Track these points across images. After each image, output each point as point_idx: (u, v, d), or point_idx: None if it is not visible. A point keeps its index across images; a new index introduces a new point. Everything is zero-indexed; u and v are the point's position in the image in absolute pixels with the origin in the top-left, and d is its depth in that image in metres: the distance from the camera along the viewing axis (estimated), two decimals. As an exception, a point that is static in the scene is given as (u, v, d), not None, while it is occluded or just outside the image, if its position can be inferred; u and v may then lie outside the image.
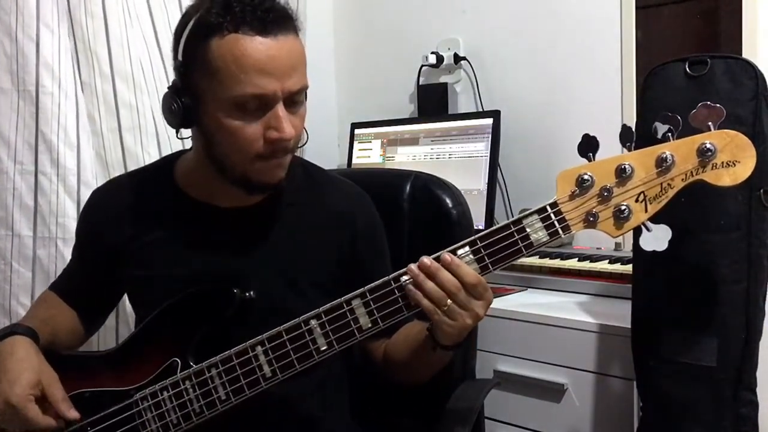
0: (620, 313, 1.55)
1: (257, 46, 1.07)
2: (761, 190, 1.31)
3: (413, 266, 1.06)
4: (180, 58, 1.13)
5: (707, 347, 1.34)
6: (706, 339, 1.34)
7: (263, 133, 1.11)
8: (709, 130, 0.97)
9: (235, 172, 1.17)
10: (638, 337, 1.44)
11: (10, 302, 1.82)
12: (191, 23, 1.11)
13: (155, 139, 1.97)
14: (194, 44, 1.11)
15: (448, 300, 1.04)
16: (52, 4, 1.81)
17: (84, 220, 1.37)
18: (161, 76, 2.00)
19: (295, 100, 1.13)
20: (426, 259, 1.06)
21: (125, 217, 1.28)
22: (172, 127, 1.17)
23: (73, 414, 1.15)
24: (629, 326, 1.46)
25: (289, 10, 1.13)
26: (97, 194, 1.36)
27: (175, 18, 1.98)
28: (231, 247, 1.24)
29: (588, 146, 1.02)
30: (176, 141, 1.94)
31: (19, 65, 1.79)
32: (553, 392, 1.66)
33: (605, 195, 1.00)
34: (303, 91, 1.14)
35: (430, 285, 1.05)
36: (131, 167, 1.88)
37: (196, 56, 1.10)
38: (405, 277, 1.06)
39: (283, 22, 1.10)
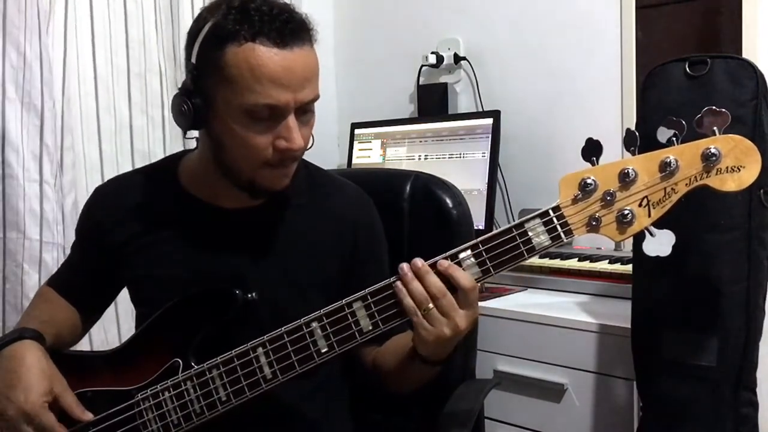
0: (620, 313, 1.56)
1: (273, 57, 1.07)
2: (761, 190, 1.31)
3: (405, 265, 1.07)
4: (193, 60, 1.12)
5: (707, 347, 1.34)
6: (706, 339, 1.34)
7: (273, 142, 1.11)
8: (714, 134, 0.96)
9: (241, 178, 1.17)
10: (638, 337, 1.45)
11: (22, 302, 1.86)
12: (207, 27, 1.10)
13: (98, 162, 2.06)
14: (209, 49, 1.10)
15: (430, 303, 1.04)
16: (52, 26, 1.90)
17: (86, 218, 1.36)
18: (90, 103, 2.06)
19: (305, 109, 1.14)
20: (418, 261, 1.06)
21: (128, 215, 1.28)
22: (181, 128, 1.17)
23: (87, 416, 1.16)
24: (629, 326, 1.46)
25: (307, 22, 1.13)
26: (100, 192, 1.36)
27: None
28: (233, 248, 1.24)
29: (592, 150, 1.01)
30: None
31: (26, 79, 1.84)
32: (553, 392, 1.66)
33: (608, 199, 0.99)
34: (313, 101, 1.14)
35: (415, 285, 1.05)
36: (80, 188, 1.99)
37: (211, 61, 1.10)
38: None
39: (300, 34, 1.10)
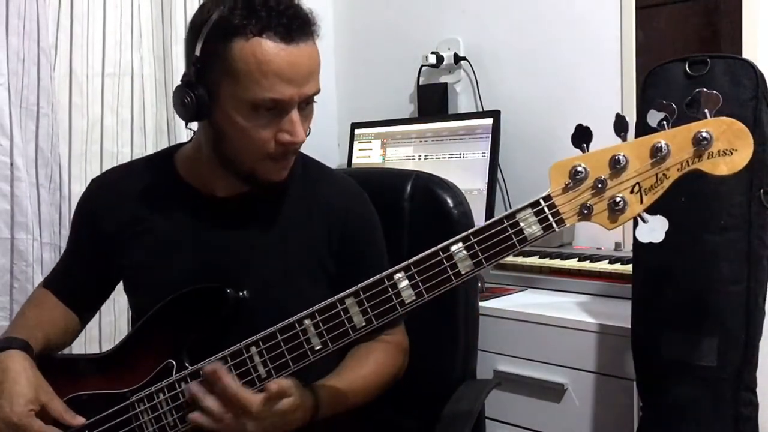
0: (620, 313, 1.55)
1: (280, 52, 1.08)
2: (761, 190, 1.30)
3: (191, 386, 1.09)
4: (197, 53, 1.13)
5: (707, 347, 1.34)
6: (706, 339, 1.34)
7: (275, 135, 1.13)
8: (706, 117, 0.95)
9: (243, 169, 1.19)
10: (638, 337, 1.44)
11: None
12: (212, 20, 1.11)
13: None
14: (214, 42, 1.11)
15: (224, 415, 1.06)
16: (51, 34, 1.94)
17: (80, 207, 1.37)
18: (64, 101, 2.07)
19: (308, 103, 1.16)
20: (194, 385, 1.09)
21: (123, 203, 1.29)
22: (183, 119, 1.17)
23: (78, 420, 1.16)
24: (629, 326, 1.46)
25: (312, 17, 1.14)
26: (95, 182, 1.37)
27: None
28: (227, 236, 1.25)
29: (581, 137, 1.00)
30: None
31: (24, 84, 1.88)
32: (553, 392, 1.66)
33: (599, 187, 0.98)
34: (315, 95, 1.17)
35: (208, 402, 1.06)
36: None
37: (216, 54, 1.11)
38: (398, 275, 1.05)
39: (306, 29, 1.12)
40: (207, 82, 1.13)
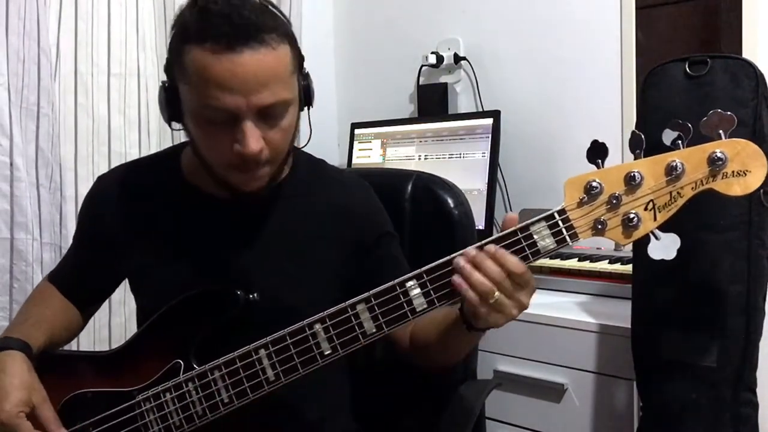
0: (620, 313, 1.56)
1: (220, 61, 1.02)
2: (761, 191, 1.31)
3: (460, 259, 1.03)
4: (167, 53, 1.12)
5: (707, 347, 1.35)
6: (706, 339, 1.35)
7: (231, 146, 1.08)
8: (720, 137, 0.96)
9: (216, 175, 1.16)
10: (638, 337, 1.45)
11: None
12: (176, 21, 1.09)
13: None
14: (174, 45, 1.09)
15: (496, 292, 1.01)
16: (52, 34, 1.94)
17: (86, 206, 1.36)
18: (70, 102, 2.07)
19: (270, 113, 1.08)
20: (471, 250, 1.02)
21: (128, 204, 1.28)
22: (164, 120, 1.17)
23: None
24: (629, 326, 1.46)
25: (267, 21, 1.06)
26: (101, 181, 1.35)
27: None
28: (233, 239, 1.23)
29: (597, 152, 1.00)
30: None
31: (24, 84, 1.87)
32: (553, 392, 1.66)
33: (614, 203, 0.99)
34: (280, 105, 1.09)
35: (476, 276, 1.01)
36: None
37: (175, 58, 1.09)
38: (410, 282, 1.05)
39: (256, 35, 1.03)
40: (173, 84, 1.12)
